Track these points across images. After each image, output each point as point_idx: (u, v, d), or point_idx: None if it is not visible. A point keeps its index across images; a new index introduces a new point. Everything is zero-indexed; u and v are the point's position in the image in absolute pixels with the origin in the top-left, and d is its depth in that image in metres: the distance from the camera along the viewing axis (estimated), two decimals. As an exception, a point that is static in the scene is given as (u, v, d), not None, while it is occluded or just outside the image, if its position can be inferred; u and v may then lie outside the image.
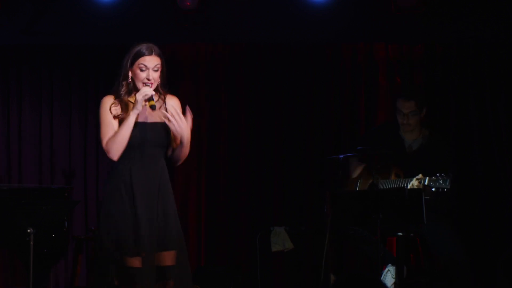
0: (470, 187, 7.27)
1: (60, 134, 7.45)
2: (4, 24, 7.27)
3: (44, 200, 5.81)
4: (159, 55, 4.79)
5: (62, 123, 7.45)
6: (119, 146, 4.70)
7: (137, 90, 4.77)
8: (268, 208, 7.40)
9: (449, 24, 7.28)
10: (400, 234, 5.98)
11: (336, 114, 7.44)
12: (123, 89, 4.80)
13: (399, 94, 6.50)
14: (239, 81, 7.49)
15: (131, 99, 4.79)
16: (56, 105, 7.45)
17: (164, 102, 4.86)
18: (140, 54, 4.76)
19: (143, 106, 4.72)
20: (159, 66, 4.78)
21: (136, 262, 4.70)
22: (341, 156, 6.15)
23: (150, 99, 4.70)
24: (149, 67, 4.76)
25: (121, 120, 4.76)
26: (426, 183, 5.83)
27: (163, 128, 4.81)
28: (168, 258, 4.77)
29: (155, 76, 4.77)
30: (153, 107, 4.69)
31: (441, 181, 5.79)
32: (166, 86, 4.88)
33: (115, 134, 4.71)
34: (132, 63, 4.77)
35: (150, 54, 4.76)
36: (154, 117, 4.81)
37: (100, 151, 7.36)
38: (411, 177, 5.96)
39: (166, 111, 4.82)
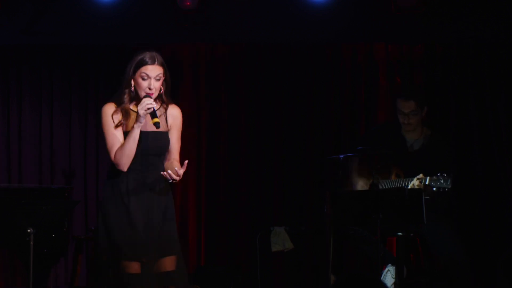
0: (470, 187, 7.27)
1: (60, 134, 7.45)
2: (4, 24, 7.27)
3: (44, 200, 5.82)
4: (161, 64, 4.77)
5: (62, 123, 7.45)
6: (128, 159, 4.72)
7: (139, 98, 4.76)
8: (268, 208, 7.40)
9: (449, 24, 7.28)
10: (400, 234, 5.97)
11: (336, 114, 7.44)
12: (126, 97, 4.79)
13: (399, 94, 6.49)
14: (239, 81, 7.49)
15: (134, 108, 4.78)
16: (56, 105, 7.45)
17: (165, 111, 4.85)
18: (142, 63, 4.74)
19: (145, 118, 4.71)
20: (161, 75, 4.77)
21: (134, 268, 4.71)
22: (341, 156, 6.15)
23: (153, 115, 4.68)
24: (151, 76, 4.74)
25: (125, 132, 4.75)
26: (427, 183, 5.83)
27: (163, 137, 4.82)
28: (169, 263, 4.78)
29: (156, 85, 4.76)
30: (157, 125, 4.67)
31: (442, 181, 5.78)
32: (169, 95, 4.87)
33: (122, 148, 4.71)
34: (135, 72, 4.76)
35: (152, 63, 4.74)
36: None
37: (100, 151, 7.36)
38: (411, 177, 5.96)
39: (167, 120, 4.83)
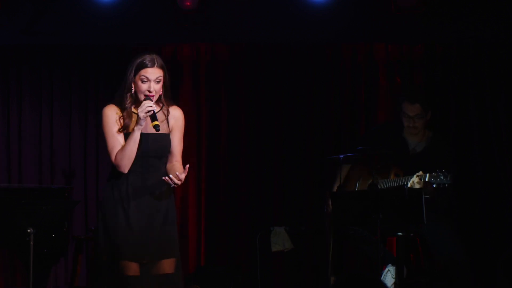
0: (470, 187, 7.27)
1: (60, 134, 7.45)
2: (4, 24, 7.27)
3: (44, 200, 5.82)
4: (161, 67, 4.77)
5: (62, 123, 7.45)
6: (128, 161, 4.72)
7: (139, 101, 4.76)
8: (268, 208, 7.40)
9: (449, 24, 7.28)
10: (400, 234, 5.97)
11: (336, 114, 7.44)
12: (128, 101, 4.78)
13: (403, 97, 6.45)
14: (239, 81, 7.49)
15: (134, 110, 4.78)
16: (56, 105, 7.45)
17: (167, 113, 4.85)
18: (142, 66, 4.74)
19: (145, 121, 4.71)
20: (161, 78, 4.76)
21: (133, 269, 4.72)
22: (341, 156, 6.15)
23: (153, 118, 4.68)
24: (151, 79, 4.74)
25: (126, 134, 4.75)
26: (426, 180, 5.83)
27: (164, 139, 4.82)
28: (168, 266, 4.79)
29: (156, 88, 4.75)
30: (157, 128, 4.67)
31: (441, 177, 5.78)
32: (169, 96, 4.87)
33: (123, 150, 4.72)
34: (135, 74, 4.76)
35: (152, 66, 4.74)
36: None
37: (100, 151, 7.36)
38: (411, 175, 5.96)
39: (168, 122, 4.83)
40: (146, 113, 4.66)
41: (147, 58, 4.75)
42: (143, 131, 4.73)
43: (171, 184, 4.68)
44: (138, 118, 4.67)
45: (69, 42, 7.41)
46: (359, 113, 7.44)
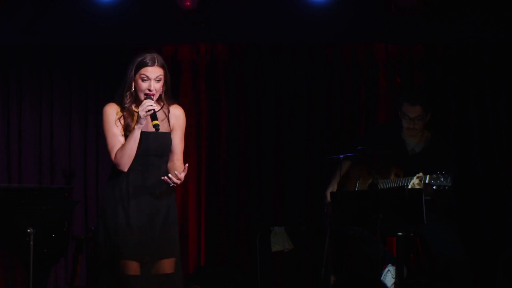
0: (470, 187, 7.27)
1: (60, 134, 7.45)
2: (4, 24, 7.27)
3: (44, 200, 5.82)
4: (162, 66, 4.77)
5: (62, 123, 7.45)
6: (128, 159, 4.72)
7: (139, 100, 4.76)
8: (268, 208, 7.40)
9: (449, 24, 7.28)
10: (400, 234, 5.97)
11: (336, 114, 7.44)
12: (128, 99, 4.79)
13: (401, 97, 6.44)
14: (239, 81, 7.49)
15: (135, 109, 4.78)
16: (56, 105, 7.45)
17: (167, 112, 4.85)
18: (142, 65, 4.74)
19: (145, 119, 4.72)
20: (161, 76, 4.76)
21: (133, 268, 4.72)
22: (341, 156, 6.15)
23: (153, 117, 4.68)
24: (151, 78, 4.74)
25: (126, 132, 4.75)
26: (427, 181, 5.83)
27: (165, 138, 4.82)
28: (168, 266, 4.79)
29: (157, 86, 4.76)
30: (156, 128, 4.67)
31: (442, 179, 5.78)
32: (170, 95, 4.87)
33: (123, 148, 4.72)
34: (135, 73, 4.76)
35: (152, 64, 4.74)
36: None
37: (100, 151, 7.36)
38: (411, 176, 5.96)
39: (169, 121, 4.83)
40: (146, 112, 4.66)
41: (147, 57, 4.75)
42: (143, 130, 4.73)
43: (170, 184, 4.69)
44: (139, 117, 4.68)
45: (69, 42, 7.41)
46: (359, 113, 7.44)
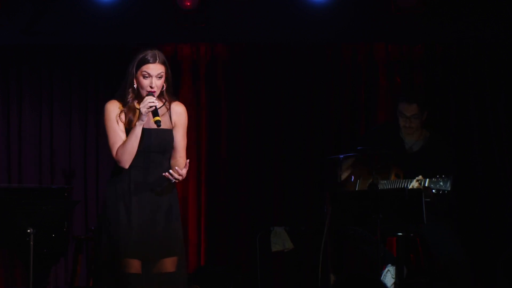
0: (470, 187, 7.27)
1: (60, 134, 7.45)
2: (4, 24, 7.27)
3: (44, 200, 5.82)
4: (163, 63, 4.77)
5: (62, 123, 7.45)
6: (129, 156, 4.72)
7: (141, 97, 4.76)
8: (268, 208, 7.40)
9: (449, 24, 7.28)
10: (400, 234, 5.97)
11: (336, 114, 7.44)
12: (130, 96, 4.79)
13: (400, 97, 6.46)
14: (239, 81, 7.49)
15: (137, 106, 4.79)
16: (56, 105, 7.45)
17: (169, 108, 4.85)
18: (144, 62, 4.75)
19: (147, 116, 4.72)
20: (163, 73, 4.77)
21: (135, 267, 4.72)
22: (341, 156, 6.15)
23: (155, 113, 4.69)
24: (153, 75, 4.74)
25: (127, 130, 4.75)
26: (426, 185, 5.83)
27: (167, 134, 4.82)
28: (170, 264, 4.78)
29: (158, 83, 4.76)
30: (158, 123, 4.68)
31: (441, 183, 5.78)
32: (171, 92, 4.88)
33: (124, 145, 4.72)
34: (137, 70, 4.76)
35: (154, 61, 4.74)
36: None
37: (100, 151, 7.37)
38: (411, 177, 5.96)
39: (171, 117, 4.83)
40: (148, 108, 4.67)
41: (149, 54, 4.76)
42: (145, 126, 4.73)
43: (172, 180, 4.69)
44: (140, 113, 4.68)
45: (69, 42, 7.41)
46: (359, 113, 7.44)
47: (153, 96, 4.72)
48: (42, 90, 7.45)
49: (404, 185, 5.93)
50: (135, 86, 4.78)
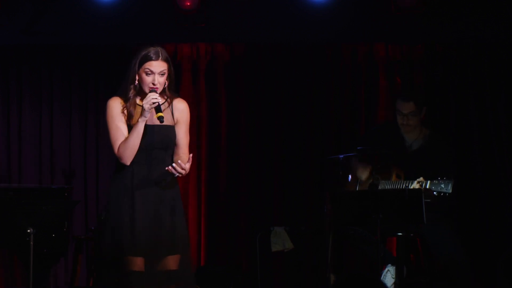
0: (470, 187, 7.27)
1: (60, 134, 7.45)
2: (4, 24, 7.27)
3: (44, 200, 5.82)
4: (166, 60, 4.78)
5: (62, 123, 7.45)
6: (131, 152, 4.72)
7: (143, 93, 4.77)
8: (268, 208, 7.40)
9: (449, 24, 7.28)
10: (400, 234, 5.98)
11: (336, 114, 7.44)
12: (131, 92, 4.80)
13: (398, 95, 6.49)
14: (239, 81, 7.49)
15: (139, 102, 4.80)
16: (56, 105, 7.45)
17: (171, 105, 4.85)
18: (146, 59, 4.75)
19: (150, 112, 4.72)
20: (165, 70, 4.77)
21: (137, 265, 4.71)
22: (341, 156, 6.15)
23: (158, 110, 4.69)
24: (155, 72, 4.75)
25: (129, 126, 4.75)
26: (427, 187, 5.82)
27: (169, 131, 4.82)
28: (172, 262, 4.78)
29: (161, 80, 4.76)
30: (161, 120, 4.68)
31: (442, 185, 5.78)
32: (173, 89, 4.88)
33: (126, 141, 4.72)
34: (139, 67, 4.77)
35: (157, 59, 4.75)
36: None
37: (100, 151, 7.37)
38: (412, 177, 5.95)
39: (173, 114, 4.83)
40: (151, 105, 4.67)
41: (151, 51, 4.76)
42: (148, 123, 4.74)
43: (175, 174, 4.69)
44: (143, 109, 4.68)
45: (69, 42, 7.41)
46: (359, 113, 7.44)
47: (156, 92, 4.72)
48: (42, 90, 7.45)
49: (405, 186, 5.93)
50: (137, 83, 4.79)
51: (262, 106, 7.47)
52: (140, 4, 7.34)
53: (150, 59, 4.74)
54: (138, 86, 4.79)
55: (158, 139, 4.78)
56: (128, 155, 4.72)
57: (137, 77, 4.78)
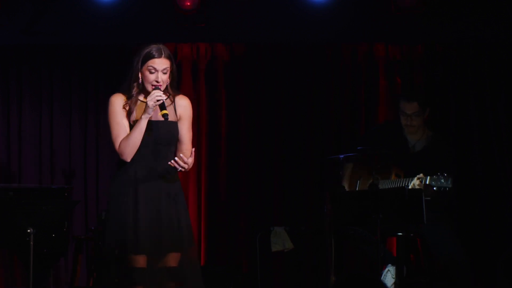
0: (470, 187, 7.27)
1: (60, 134, 7.44)
2: (4, 24, 7.27)
3: (44, 200, 5.82)
4: (168, 57, 4.79)
5: (62, 123, 7.45)
6: (132, 149, 4.73)
7: (146, 91, 4.77)
8: (268, 208, 7.40)
9: (449, 24, 7.28)
10: (400, 234, 5.97)
11: (336, 114, 7.44)
12: (135, 90, 4.80)
13: (401, 95, 6.48)
14: (239, 81, 7.49)
15: (143, 99, 4.80)
16: (56, 105, 7.45)
17: (173, 102, 4.86)
18: (149, 56, 4.76)
19: (153, 109, 4.72)
20: (168, 68, 4.78)
21: (140, 262, 4.71)
22: (341, 156, 6.15)
23: (162, 107, 4.69)
24: (158, 70, 4.76)
25: (133, 121, 4.76)
26: (427, 182, 5.83)
27: (173, 127, 4.83)
28: (173, 259, 4.78)
29: (164, 78, 4.77)
30: (165, 117, 4.69)
31: (442, 180, 5.78)
32: (175, 86, 4.88)
33: (128, 138, 4.73)
34: (142, 65, 4.77)
35: (159, 56, 4.76)
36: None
37: (100, 151, 7.36)
38: (411, 176, 5.96)
39: (176, 111, 4.84)
40: (155, 102, 4.67)
41: (154, 49, 4.77)
42: (152, 119, 4.74)
43: (177, 168, 4.69)
44: (147, 106, 4.69)
45: (69, 42, 7.41)
46: (359, 113, 7.44)
47: (160, 89, 4.73)
48: (42, 90, 7.45)
49: (405, 183, 5.93)
50: (140, 80, 4.79)
51: (262, 106, 7.46)
52: (140, 4, 7.34)
53: (153, 57, 4.75)
54: (141, 84, 4.80)
55: (162, 135, 4.79)
56: (129, 151, 4.73)
57: (140, 75, 4.79)
